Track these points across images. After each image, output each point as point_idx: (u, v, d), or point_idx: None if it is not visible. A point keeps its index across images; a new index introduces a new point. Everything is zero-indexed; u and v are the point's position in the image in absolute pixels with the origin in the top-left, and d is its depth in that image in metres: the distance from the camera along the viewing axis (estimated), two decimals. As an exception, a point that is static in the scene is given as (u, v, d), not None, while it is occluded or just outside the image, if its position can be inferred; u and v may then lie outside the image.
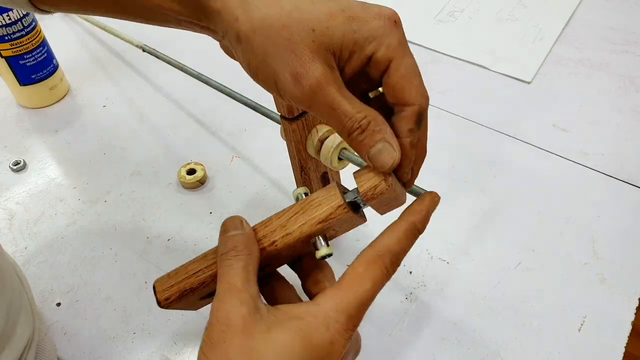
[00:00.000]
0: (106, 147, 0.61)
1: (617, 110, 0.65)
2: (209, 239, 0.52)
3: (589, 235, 0.52)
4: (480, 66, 0.72)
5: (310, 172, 0.43)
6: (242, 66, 0.30)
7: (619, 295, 0.47)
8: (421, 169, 0.32)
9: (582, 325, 0.45)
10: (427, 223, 0.29)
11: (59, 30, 0.78)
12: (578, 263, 0.50)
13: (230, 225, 0.30)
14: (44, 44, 0.63)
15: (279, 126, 0.43)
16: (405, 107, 0.28)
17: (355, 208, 0.30)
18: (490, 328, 0.45)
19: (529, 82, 0.69)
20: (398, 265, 0.28)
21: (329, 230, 0.30)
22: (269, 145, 0.61)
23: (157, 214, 0.54)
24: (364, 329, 0.45)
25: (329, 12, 0.27)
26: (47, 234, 0.52)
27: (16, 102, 0.67)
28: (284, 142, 0.43)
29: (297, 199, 0.32)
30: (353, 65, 0.28)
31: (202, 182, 0.56)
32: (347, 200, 0.29)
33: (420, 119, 0.28)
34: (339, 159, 0.41)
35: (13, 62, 0.61)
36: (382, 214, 0.31)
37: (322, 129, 0.41)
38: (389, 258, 0.28)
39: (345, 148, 0.40)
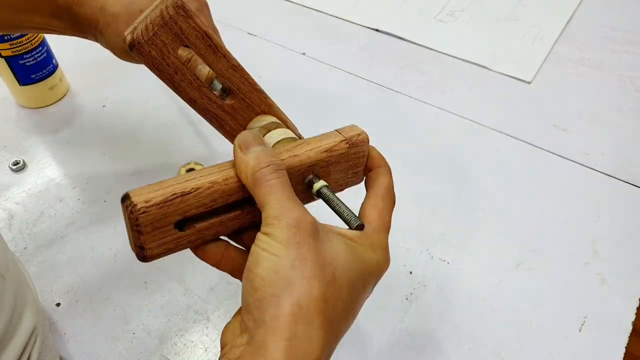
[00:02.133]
0: (106, 147, 0.61)
1: (617, 110, 0.65)
2: (209, 239, 0.52)
3: (589, 235, 0.52)
4: (480, 66, 0.72)
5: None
6: (113, 52, 0.41)
7: (620, 295, 0.47)
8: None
9: (582, 325, 0.45)
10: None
11: (58, 30, 0.78)
12: (578, 263, 0.50)
13: (252, 141, 0.29)
14: (43, 43, 0.63)
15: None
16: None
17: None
18: (490, 328, 0.45)
19: (529, 82, 0.69)
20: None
21: (326, 168, 0.33)
22: (269, 145, 0.61)
23: (157, 214, 0.54)
24: (363, 328, 0.45)
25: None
26: (47, 234, 0.52)
27: (15, 102, 0.66)
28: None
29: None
30: None
31: (201, 182, 0.56)
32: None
33: None
34: None
35: (12, 62, 0.61)
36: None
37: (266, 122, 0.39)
38: (392, 190, 0.33)
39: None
